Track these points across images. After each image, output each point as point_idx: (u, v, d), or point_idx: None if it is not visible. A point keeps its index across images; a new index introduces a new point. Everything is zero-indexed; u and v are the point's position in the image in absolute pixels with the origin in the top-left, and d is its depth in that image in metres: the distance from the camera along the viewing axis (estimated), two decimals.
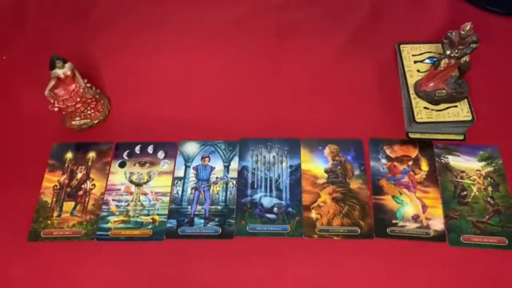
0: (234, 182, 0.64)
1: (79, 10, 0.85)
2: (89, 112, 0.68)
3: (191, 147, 0.68)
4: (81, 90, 0.66)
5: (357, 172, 0.65)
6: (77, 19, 0.84)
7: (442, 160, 0.66)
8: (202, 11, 0.84)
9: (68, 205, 0.63)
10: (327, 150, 0.67)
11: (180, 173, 0.66)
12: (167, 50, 0.79)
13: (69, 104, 0.66)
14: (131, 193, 0.64)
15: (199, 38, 0.80)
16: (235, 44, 0.79)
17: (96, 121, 0.70)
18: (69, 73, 0.64)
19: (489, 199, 0.62)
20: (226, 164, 0.66)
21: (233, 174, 0.65)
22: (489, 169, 0.65)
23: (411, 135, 0.68)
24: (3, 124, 0.71)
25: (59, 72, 0.63)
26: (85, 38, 0.81)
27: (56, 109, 0.66)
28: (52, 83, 0.64)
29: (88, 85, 0.67)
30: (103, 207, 0.63)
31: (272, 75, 0.75)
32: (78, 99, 0.66)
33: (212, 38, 0.80)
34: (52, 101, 0.65)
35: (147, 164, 0.66)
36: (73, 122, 0.69)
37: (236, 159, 0.66)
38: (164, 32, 0.81)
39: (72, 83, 0.65)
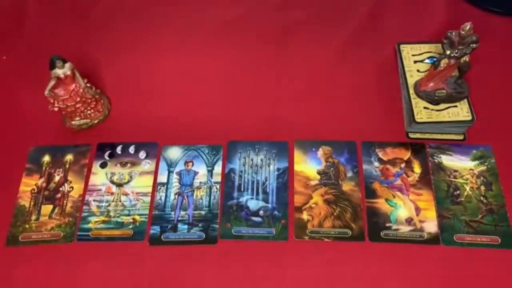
0: (218, 187, 0.64)
1: (79, 10, 0.85)
2: (89, 112, 0.69)
3: (174, 152, 0.67)
4: (81, 90, 0.66)
5: (349, 174, 0.64)
6: (77, 19, 0.84)
7: (436, 160, 0.65)
8: (203, 11, 0.84)
9: (46, 208, 0.63)
10: (320, 152, 0.66)
11: (163, 178, 0.65)
12: (167, 50, 0.79)
13: (69, 104, 0.66)
14: (112, 194, 0.64)
15: (199, 39, 0.80)
16: (235, 44, 0.79)
17: (96, 121, 0.70)
18: (69, 73, 0.64)
19: (482, 198, 0.62)
20: (209, 168, 0.65)
21: (217, 178, 0.64)
22: (482, 168, 0.65)
23: (411, 135, 0.68)
24: (2, 124, 0.71)
25: (59, 72, 0.63)
26: (85, 38, 0.81)
27: (56, 109, 0.66)
28: (52, 83, 0.64)
29: (88, 85, 0.68)
30: (84, 207, 0.63)
31: (272, 76, 0.75)
32: (78, 99, 0.66)
33: (213, 38, 0.80)
34: (52, 101, 0.65)
35: (128, 165, 0.66)
36: (73, 122, 0.69)
37: (220, 163, 0.66)
38: (165, 32, 0.81)
39: (72, 83, 0.65)
